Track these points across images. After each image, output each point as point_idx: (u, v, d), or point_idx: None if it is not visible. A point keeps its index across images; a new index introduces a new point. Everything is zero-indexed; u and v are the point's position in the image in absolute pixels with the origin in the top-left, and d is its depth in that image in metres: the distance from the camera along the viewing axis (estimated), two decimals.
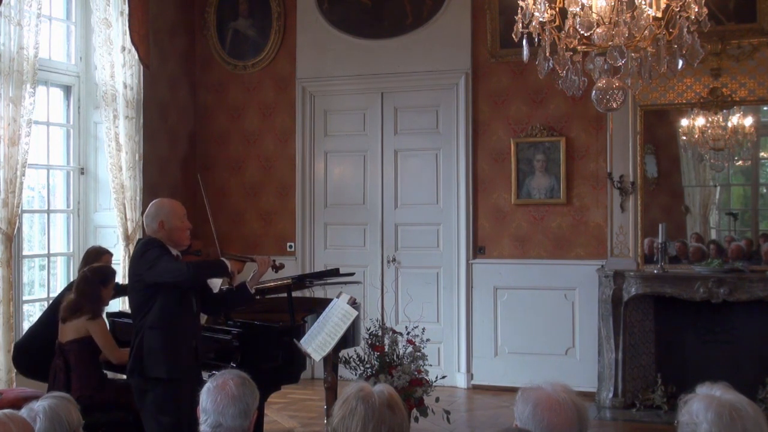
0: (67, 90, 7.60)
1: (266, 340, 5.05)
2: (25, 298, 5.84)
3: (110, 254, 5.98)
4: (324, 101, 8.66)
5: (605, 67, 4.43)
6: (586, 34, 4.28)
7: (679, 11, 4.19)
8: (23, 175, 6.32)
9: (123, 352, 5.02)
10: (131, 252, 7.35)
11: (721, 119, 7.31)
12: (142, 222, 7.44)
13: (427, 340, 6.05)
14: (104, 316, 5.48)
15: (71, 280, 7.50)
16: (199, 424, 2.77)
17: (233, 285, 4.66)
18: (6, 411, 2.36)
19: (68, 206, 7.63)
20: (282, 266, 5.11)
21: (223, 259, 4.51)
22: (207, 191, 8.84)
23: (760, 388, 6.81)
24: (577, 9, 4.21)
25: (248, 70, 8.82)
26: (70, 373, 5.22)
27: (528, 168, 7.95)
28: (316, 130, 8.67)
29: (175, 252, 4.46)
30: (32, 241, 7.29)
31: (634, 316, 7.35)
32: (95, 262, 5.72)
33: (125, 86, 7.46)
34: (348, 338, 5.44)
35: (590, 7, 4.23)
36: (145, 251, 4.36)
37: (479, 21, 8.08)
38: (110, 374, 5.57)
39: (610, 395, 7.26)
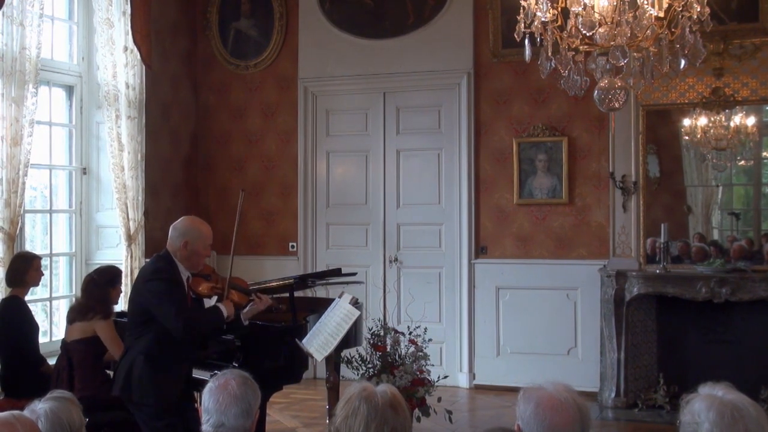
0: (70, 90, 7.61)
1: (268, 340, 5.04)
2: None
3: (39, 258, 5.93)
4: (326, 101, 8.66)
5: (607, 66, 4.43)
6: (588, 34, 4.28)
7: (681, 11, 4.19)
8: (25, 175, 6.32)
9: None
10: (133, 252, 7.40)
11: (723, 119, 7.31)
12: (144, 222, 7.55)
13: (429, 339, 6.05)
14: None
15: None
16: (201, 424, 2.78)
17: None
18: (13, 412, 2.36)
19: (70, 206, 7.64)
20: (282, 309, 5.11)
21: (218, 305, 4.48)
22: (208, 191, 8.90)
23: (762, 388, 6.81)
24: (580, 9, 4.22)
25: (250, 70, 8.82)
26: (73, 372, 5.23)
27: (530, 168, 7.95)
28: (318, 130, 8.67)
29: (186, 274, 4.46)
30: (34, 241, 7.30)
31: (636, 316, 7.35)
32: (26, 269, 5.69)
33: (127, 86, 7.46)
34: (350, 338, 5.44)
35: (592, 7, 4.23)
36: (153, 279, 4.34)
37: (481, 21, 8.08)
38: (113, 374, 5.57)
39: (612, 395, 7.26)
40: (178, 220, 4.54)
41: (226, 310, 4.47)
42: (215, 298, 4.77)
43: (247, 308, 4.74)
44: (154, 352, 4.30)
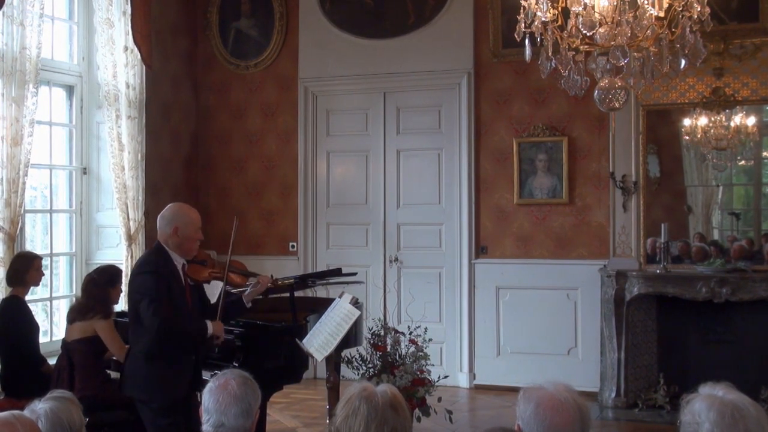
0: (70, 90, 7.61)
1: (268, 340, 5.05)
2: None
3: (40, 258, 5.94)
4: (326, 101, 8.66)
5: (607, 66, 4.43)
6: (588, 34, 4.28)
7: (682, 11, 4.19)
8: (26, 175, 6.32)
9: None
10: (133, 252, 7.40)
11: (723, 119, 7.30)
12: (145, 222, 7.55)
13: (430, 339, 6.05)
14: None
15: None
16: (201, 424, 2.78)
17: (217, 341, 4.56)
18: (14, 412, 2.36)
19: (71, 206, 7.64)
20: (280, 286, 5.11)
21: (207, 321, 4.41)
22: (209, 191, 8.90)
23: (762, 388, 6.81)
24: (580, 9, 4.21)
25: (250, 70, 8.82)
26: (73, 372, 5.23)
27: (530, 168, 7.95)
28: (318, 129, 8.67)
29: (181, 262, 4.42)
30: (35, 240, 7.30)
31: (637, 316, 7.35)
32: (26, 269, 5.71)
33: (128, 86, 7.46)
34: (350, 338, 5.44)
35: (593, 7, 4.23)
36: (142, 272, 4.31)
37: (481, 21, 8.08)
38: (113, 374, 5.57)
39: (613, 395, 7.26)
40: (165, 208, 4.47)
41: (213, 328, 4.39)
42: (219, 286, 4.76)
43: (249, 290, 4.74)
44: (155, 351, 4.28)
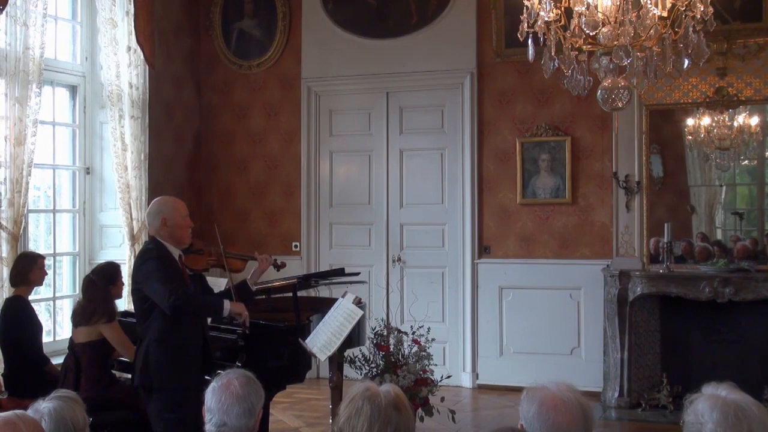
0: (73, 90, 7.62)
1: (271, 340, 5.05)
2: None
3: (43, 258, 5.95)
4: (329, 101, 8.66)
5: (611, 66, 4.42)
6: (591, 34, 4.28)
7: (685, 10, 4.18)
8: (29, 174, 6.34)
9: None
10: (136, 252, 7.40)
11: (726, 118, 7.29)
12: (146, 221, 7.55)
13: (433, 339, 6.05)
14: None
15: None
16: (204, 424, 2.78)
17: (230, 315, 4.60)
18: (17, 411, 2.36)
19: (74, 206, 7.65)
20: (283, 265, 5.16)
21: (225, 300, 4.48)
22: (212, 191, 8.91)
23: (765, 388, 6.79)
24: (583, 8, 4.21)
25: (253, 70, 8.82)
26: (80, 373, 5.23)
27: (533, 167, 7.94)
28: (321, 129, 8.67)
29: (177, 252, 4.46)
30: (38, 240, 7.32)
31: (640, 316, 7.34)
32: (30, 268, 5.71)
33: (131, 86, 7.47)
34: (353, 338, 5.45)
35: (596, 7, 4.23)
36: (144, 261, 4.36)
37: (484, 20, 8.08)
38: (118, 374, 5.58)
39: (616, 395, 7.26)
40: (149, 205, 4.60)
41: (228, 307, 4.44)
42: (224, 282, 4.77)
43: (252, 273, 4.76)
44: (165, 335, 4.31)
